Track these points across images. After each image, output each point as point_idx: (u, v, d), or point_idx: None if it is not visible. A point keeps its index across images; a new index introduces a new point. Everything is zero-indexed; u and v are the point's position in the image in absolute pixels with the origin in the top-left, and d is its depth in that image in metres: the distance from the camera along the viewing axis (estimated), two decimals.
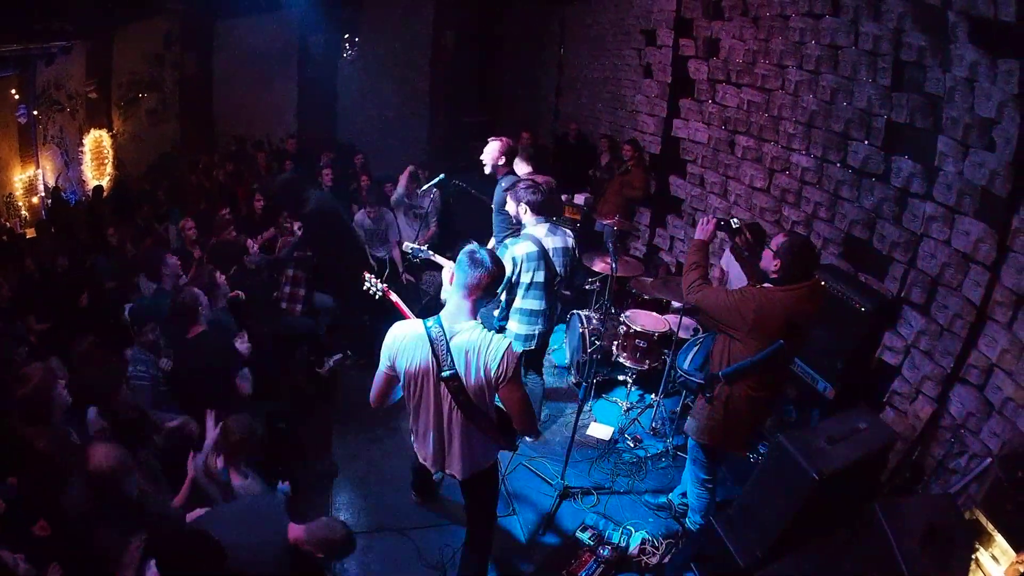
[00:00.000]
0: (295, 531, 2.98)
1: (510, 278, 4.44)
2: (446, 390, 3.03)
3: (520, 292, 4.57)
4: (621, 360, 5.73)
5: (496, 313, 4.82)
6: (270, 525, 3.00)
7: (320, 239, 5.98)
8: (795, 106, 5.95)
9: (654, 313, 6.02)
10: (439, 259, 4.76)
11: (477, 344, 2.95)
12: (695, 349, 4.13)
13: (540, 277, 4.55)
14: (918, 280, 4.61)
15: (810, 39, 5.69)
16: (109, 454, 2.97)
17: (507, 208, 4.80)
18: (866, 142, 5.13)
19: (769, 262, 3.68)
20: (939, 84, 4.45)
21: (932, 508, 3.29)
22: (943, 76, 4.40)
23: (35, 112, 9.23)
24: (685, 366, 4.10)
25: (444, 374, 2.97)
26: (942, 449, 4.31)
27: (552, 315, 4.84)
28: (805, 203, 5.84)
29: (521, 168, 6.32)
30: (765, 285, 3.73)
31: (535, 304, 4.61)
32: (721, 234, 4.13)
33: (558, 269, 4.69)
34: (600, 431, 5.54)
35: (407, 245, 4.96)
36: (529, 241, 4.52)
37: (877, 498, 3.30)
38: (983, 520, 3.29)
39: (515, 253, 4.46)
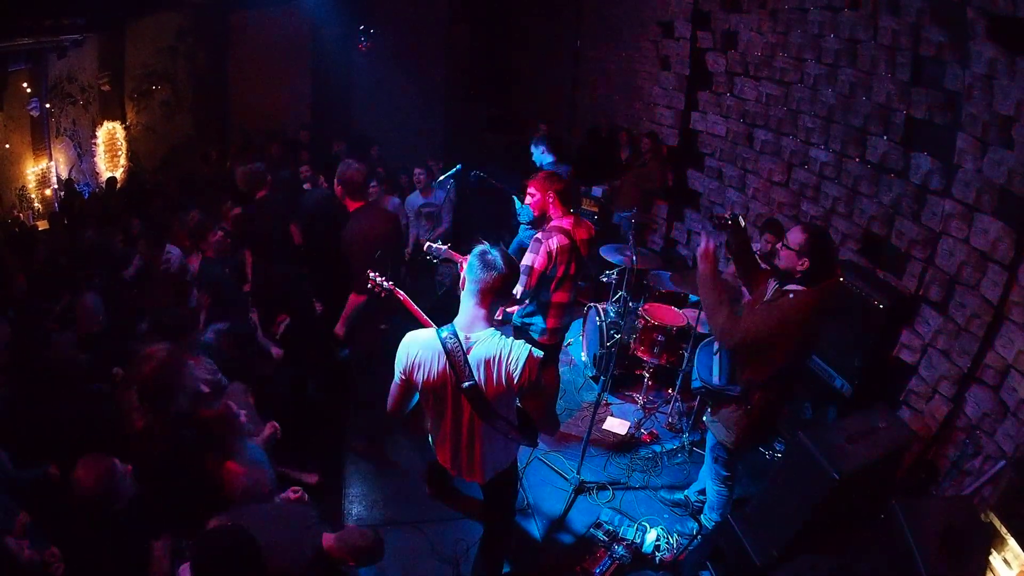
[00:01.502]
0: (327, 539, 3.00)
1: (544, 273, 4.37)
2: (465, 400, 2.93)
3: (553, 287, 4.50)
4: (638, 354, 5.72)
5: (514, 310, 4.77)
6: (306, 531, 3.01)
7: (320, 241, 5.59)
8: (814, 100, 5.91)
9: (672, 307, 6.00)
10: (457, 256, 4.71)
11: (496, 353, 2.82)
12: (715, 358, 3.91)
13: (572, 270, 4.51)
14: (936, 278, 4.59)
15: (828, 33, 5.65)
16: (91, 473, 2.84)
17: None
18: (885, 137, 5.10)
19: (794, 262, 3.44)
20: (958, 80, 4.42)
21: (950, 509, 3.29)
22: (962, 72, 4.37)
23: (47, 105, 9.28)
24: (715, 381, 3.87)
25: (464, 386, 2.85)
26: (956, 450, 4.30)
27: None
28: (824, 198, 5.81)
29: (544, 158, 6.34)
30: (794, 288, 3.52)
31: (566, 298, 4.58)
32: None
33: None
34: (616, 426, 5.55)
35: (427, 244, 4.84)
36: (562, 234, 4.44)
37: (893, 498, 3.28)
38: (996, 523, 3.26)
39: (551, 248, 4.36)
